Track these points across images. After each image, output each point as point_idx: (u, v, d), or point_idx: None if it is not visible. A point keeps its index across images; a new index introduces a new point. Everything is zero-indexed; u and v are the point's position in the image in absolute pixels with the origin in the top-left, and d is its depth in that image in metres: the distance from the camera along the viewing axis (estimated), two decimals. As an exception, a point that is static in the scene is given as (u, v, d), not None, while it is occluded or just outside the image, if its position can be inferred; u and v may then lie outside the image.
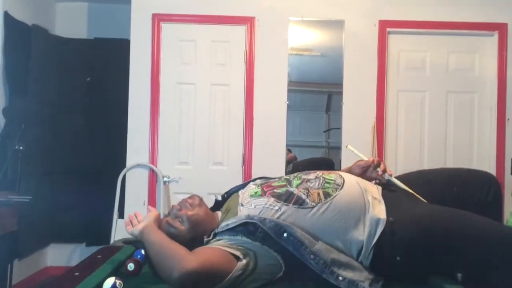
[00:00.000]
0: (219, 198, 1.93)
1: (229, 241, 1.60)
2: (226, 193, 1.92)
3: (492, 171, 3.86)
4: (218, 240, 1.63)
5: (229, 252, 1.53)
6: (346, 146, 2.13)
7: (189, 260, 1.43)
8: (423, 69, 3.97)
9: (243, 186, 1.88)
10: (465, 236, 1.63)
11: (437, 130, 3.95)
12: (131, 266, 1.67)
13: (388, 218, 1.65)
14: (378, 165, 1.91)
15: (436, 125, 3.95)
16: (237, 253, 1.53)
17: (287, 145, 3.95)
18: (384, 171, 1.90)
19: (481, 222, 1.69)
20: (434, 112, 3.95)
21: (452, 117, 3.95)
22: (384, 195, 1.80)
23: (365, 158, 1.97)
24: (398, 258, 1.60)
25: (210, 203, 1.90)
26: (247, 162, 3.90)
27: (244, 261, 1.51)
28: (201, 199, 1.81)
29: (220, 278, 1.46)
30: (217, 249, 1.54)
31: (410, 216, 1.69)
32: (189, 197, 1.81)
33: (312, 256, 1.53)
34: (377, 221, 1.64)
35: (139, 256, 1.79)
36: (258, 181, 1.85)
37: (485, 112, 3.94)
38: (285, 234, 1.55)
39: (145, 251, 1.66)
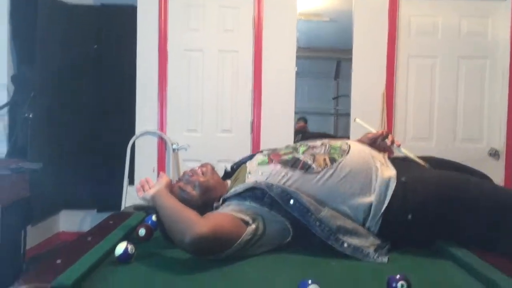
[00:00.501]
0: (228, 168, 1.96)
1: (238, 206, 1.62)
2: (235, 164, 1.94)
3: (502, 137, 3.84)
4: (228, 205, 1.65)
5: (239, 218, 1.55)
6: (354, 120, 2.13)
7: (200, 225, 1.45)
8: (435, 34, 3.89)
9: (250, 157, 1.91)
10: (476, 197, 1.66)
11: (448, 97, 3.90)
12: (142, 232, 1.69)
13: (400, 179, 1.68)
14: (386, 136, 1.92)
15: (446, 91, 3.90)
16: (246, 218, 1.55)
17: (295, 112, 3.93)
18: (393, 142, 1.92)
19: (492, 187, 1.77)
20: (445, 78, 3.89)
21: (463, 83, 3.89)
22: (392, 161, 1.84)
23: (374, 131, 1.97)
24: (409, 216, 1.62)
25: (219, 171, 1.92)
26: (255, 129, 3.90)
27: (253, 226, 1.54)
28: (213, 168, 1.84)
29: (230, 242, 1.48)
30: (228, 215, 1.56)
31: (422, 177, 1.73)
32: (202, 165, 1.83)
33: (317, 223, 1.56)
34: (387, 184, 1.66)
35: (150, 222, 1.82)
36: (265, 151, 1.88)
37: (496, 77, 3.88)
38: (291, 201, 1.58)
39: (157, 216, 1.68)
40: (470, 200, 1.65)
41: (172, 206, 1.57)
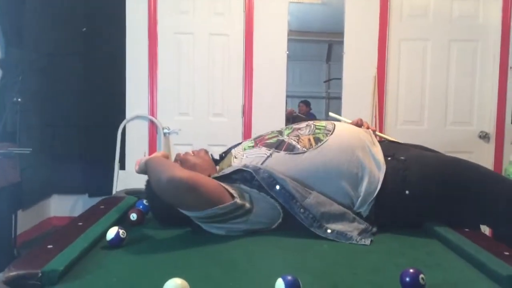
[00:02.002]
0: (216, 156, 1.96)
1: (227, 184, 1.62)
2: (223, 152, 1.94)
3: (493, 120, 3.86)
4: None
5: (226, 189, 1.56)
6: (329, 114, 2.20)
7: (180, 170, 1.51)
8: (426, 17, 3.88)
9: (237, 145, 1.91)
10: (473, 177, 1.69)
11: (439, 80, 3.90)
12: (133, 216, 1.69)
13: (399, 157, 1.70)
14: (361, 124, 1.93)
15: (437, 74, 3.90)
16: (233, 191, 1.56)
17: (287, 96, 3.92)
18: (368, 128, 1.93)
19: (485, 168, 1.80)
20: (436, 61, 3.90)
21: (454, 66, 3.90)
22: (383, 143, 1.86)
23: (348, 121, 1.98)
24: (407, 192, 1.63)
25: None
26: (247, 113, 3.89)
27: (239, 201, 1.54)
28: (206, 152, 1.86)
29: (210, 202, 1.49)
30: (214, 180, 1.59)
31: (420, 155, 1.77)
32: (196, 150, 1.87)
33: (301, 210, 1.56)
34: (379, 166, 1.67)
35: (141, 206, 1.81)
36: (251, 138, 1.89)
37: (488, 60, 3.88)
38: (277, 187, 1.58)
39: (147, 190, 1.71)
40: (466, 179, 1.68)
41: (161, 159, 1.62)
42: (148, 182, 1.71)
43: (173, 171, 1.48)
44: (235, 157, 1.76)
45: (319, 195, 1.61)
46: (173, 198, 1.50)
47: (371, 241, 1.54)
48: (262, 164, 1.65)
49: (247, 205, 1.56)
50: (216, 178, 1.68)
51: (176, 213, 1.57)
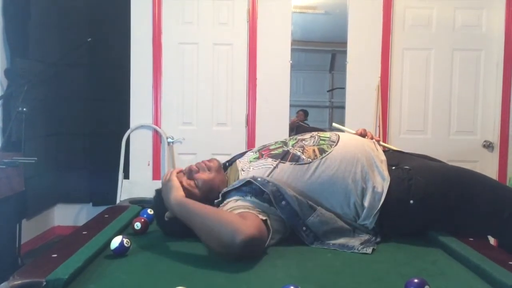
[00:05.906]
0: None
1: (245, 202, 1.59)
2: (227, 161, 1.92)
3: (496, 129, 3.85)
4: (232, 201, 1.62)
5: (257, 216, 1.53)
6: (332, 125, 2.20)
7: (247, 225, 1.41)
8: (429, 26, 3.89)
9: (242, 155, 1.88)
10: (475, 187, 1.69)
11: (442, 89, 3.91)
12: (137, 225, 1.69)
13: (404, 166, 1.70)
14: (365, 134, 1.93)
15: (441, 83, 3.90)
16: (260, 216, 1.54)
17: (291, 105, 3.93)
18: (372, 138, 1.93)
19: (489, 178, 1.80)
20: (439, 70, 3.90)
21: (458, 75, 3.90)
22: (388, 153, 1.86)
23: (352, 131, 1.98)
24: (411, 201, 1.63)
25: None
26: (250, 122, 3.90)
27: (270, 227, 1.53)
28: (220, 164, 1.79)
29: (264, 242, 1.48)
30: (254, 215, 1.52)
31: (426, 165, 1.77)
32: (209, 160, 1.77)
33: (304, 228, 1.57)
34: (383, 175, 1.67)
35: (145, 215, 1.82)
36: (256, 149, 1.87)
37: (491, 69, 3.88)
38: (283, 202, 1.57)
39: (171, 220, 1.60)
40: (471, 189, 1.68)
41: (206, 210, 1.50)
42: (157, 192, 1.69)
43: (241, 228, 1.39)
44: (242, 170, 1.73)
45: (323, 213, 1.60)
46: (243, 255, 1.41)
47: (373, 249, 1.53)
48: (268, 175, 1.64)
49: (269, 223, 1.55)
50: (227, 191, 1.67)
51: (182, 225, 1.55)
